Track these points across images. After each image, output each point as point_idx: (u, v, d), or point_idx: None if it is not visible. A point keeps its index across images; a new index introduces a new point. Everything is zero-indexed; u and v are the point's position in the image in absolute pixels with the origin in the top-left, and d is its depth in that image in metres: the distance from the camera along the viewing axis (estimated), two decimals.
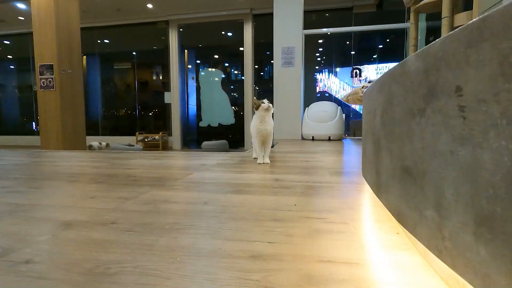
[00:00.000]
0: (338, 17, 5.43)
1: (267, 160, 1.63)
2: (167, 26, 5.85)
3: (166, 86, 6.79)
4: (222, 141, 5.28)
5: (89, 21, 5.79)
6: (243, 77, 5.92)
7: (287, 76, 3.43)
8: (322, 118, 3.21)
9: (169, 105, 6.17)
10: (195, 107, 6.22)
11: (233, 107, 5.80)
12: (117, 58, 7.12)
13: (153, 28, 6.10)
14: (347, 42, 6.20)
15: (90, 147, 4.74)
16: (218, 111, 5.79)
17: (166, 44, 6.44)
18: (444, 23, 2.34)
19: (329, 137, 3.19)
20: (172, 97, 5.92)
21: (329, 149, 2.45)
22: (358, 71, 8.65)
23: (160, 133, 5.76)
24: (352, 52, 6.08)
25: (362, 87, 1.24)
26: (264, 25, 5.63)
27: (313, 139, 3.28)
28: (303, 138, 3.43)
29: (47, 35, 3.90)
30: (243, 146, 5.72)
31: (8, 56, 7.74)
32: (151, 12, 5.54)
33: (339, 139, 3.26)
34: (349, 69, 9.06)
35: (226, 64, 6.19)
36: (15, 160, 1.98)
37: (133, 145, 4.61)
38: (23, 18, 5.88)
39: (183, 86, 5.99)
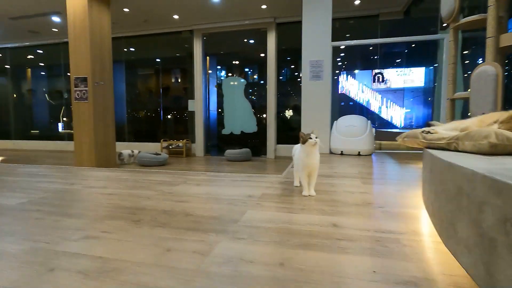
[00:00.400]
0: (363, 24, 5.35)
1: (313, 192, 1.63)
2: (192, 35, 5.94)
3: (187, 90, 6.91)
4: (245, 149, 5.31)
5: (117, 32, 5.96)
6: (266, 85, 5.94)
7: (316, 89, 3.42)
8: (352, 132, 3.18)
9: (191, 111, 6.28)
10: (215, 113, 6.30)
11: (253, 111, 5.82)
12: (141, 65, 7.31)
13: (178, 37, 6.21)
14: (370, 48, 6.11)
15: (120, 155, 4.88)
16: (241, 119, 5.83)
17: (190, 51, 6.55)
18: (489, 43, 2.26)
19: (359, 152, 3.16)
20: (196, 105, 6.01)
21: (365, 170, 2.43)
22: (380, 76, 8.50)
23: (184, 140, 5.86)
24: (376, 57, 5.98)
25: (422, 132, 1.22)
26: (287, 33, 5.62)
27: (342, 153, 3.25)
28: (331, 152, 3.41)
29: (81, 49, 4.05)
30: (265, 154, 5.75)
31: (40, 64, 8.10)
32: (176, 22, 5.64)
33: (369, 154, 3.22)
34: (368, 72, 8.92)
35: (248, 71, 6.22)
36: (58, 185, 2.07)
37: (160, 154, 4.71)
38: (56, 30, 6.13)
39: (206, 93, 6.07)
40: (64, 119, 8.26)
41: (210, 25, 5.68)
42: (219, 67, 6.42)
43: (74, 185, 1.97)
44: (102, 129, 4.28)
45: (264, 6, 4.92)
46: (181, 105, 6.95)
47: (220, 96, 6.29)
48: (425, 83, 5.60)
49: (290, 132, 5.98)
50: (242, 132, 5.87)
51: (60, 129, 8.47)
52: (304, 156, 1.53)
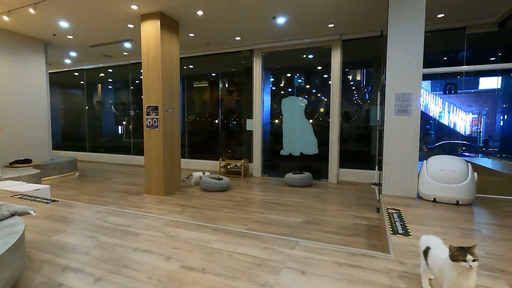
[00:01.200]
0: (447, 38, 4.74)
1: None
2: (251, 54, 5.88)
3: (238, 104, 6.90)
4: (307, 174, 5.06)
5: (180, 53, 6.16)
6: (328, 104, 5.63)
7: (401, 125, 3.03)
8: (449, 178, 2.75)
9: (246, 130, 6.24)
10: (268, 133, 6.16)
11: (313, 132, 5.53)
12: (199, 81, 7.52)
13: (238, 56, 6.21)
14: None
15: (189, 177, 4.98)
16: (301, 140, 5.60)
17: (245, 67, 6.52)
18: None
19: (457, 201, 2.71)
20: (254, 124, 5.93)
21: (479, 236, 2.02)
22: (453, 86, 7.59)
23: (243, 161, 5.81)
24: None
25: None
26: (350, 48, 5.24)
27: (434, 200, 2.83)
28: (419, 197, 3.00)
29: (154, 78, 4.19)
30: (326, 178, 5.43)
31: (109, 80, 8.87)
32: (237, 42, 5.63)
33: (469, 204, 2.75)
34: (437, 82, 8.02)
35: (310, 89, 5.96)
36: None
37: (222, 178, 4.70)
38: (126, 53, 6.56)
39: (263, 113, 5.95)
40: (129, 126, 8.91)
41: (271, 44, 5.56)
42: (276, 85, 6.27)
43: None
44: (170, 155, 4.39)
45: (331, 25, 4.64)
46: (238, 125, 6.97)
47: (277, 115, 6.13)
48: None
49: (356, 157, 5.58)
50: (301, 154, 5.62)
51: (124, 136, 9.23)
52: (455, 276, 1.11)
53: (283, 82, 6.34)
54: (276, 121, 6.24)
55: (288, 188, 4.89)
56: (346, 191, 4.67)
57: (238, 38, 5.36)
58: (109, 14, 4.24)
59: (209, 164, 6.62)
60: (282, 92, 6.27)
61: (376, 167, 5.14)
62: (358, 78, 6.07)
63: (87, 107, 9.43)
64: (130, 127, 8.60)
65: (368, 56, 5.56)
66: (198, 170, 6.22)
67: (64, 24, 4.64)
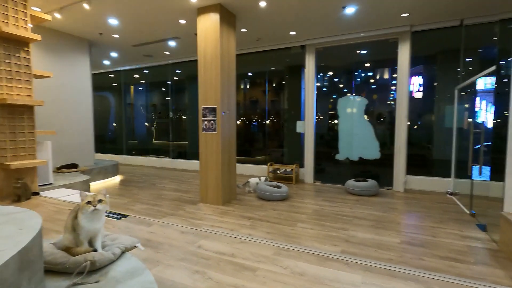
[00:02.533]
0: None
1: None
2: (303, 51, 5.44)
3: (276, 104, 6.48)
4: (372, 181, 4.55)
5: None
6: (392, 104, 5.10)
7: None
8: None
9: (288, 133, 5.81)
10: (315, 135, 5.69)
11: (375, 135, 5.01)
12: (239, 80, 7.16)
13: (284, 54, 5.79)
14: None
15: (246, 184, 4.61)
16: (360, 144, 5.09)
17: (293, 66, 6.08)
18: None
19: None
20: (306, 127, 5.48)
21: None
22: None
23: (294, 166, 5.38)
24: None
25: None
26: (419, 41, 4.69)
27: None
28: None
29: (212, 77, 3.84)
30: (390, 186, 4.89)
31: (142, 81, 8.72)
32: (289, 38, 5.21)
33: None
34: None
35: (372, 88, 5.44)
36: None
37: (280, 186, 4.28)
38: (168, 53, 6.29)
39: (315, 114, 5.48)
40: (155, 127, 8.73)
41: (326, 39, 5.09)
42: (329, 84, 5.79)
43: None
44: (227, 161, 4.02)
45: (405, 14, 4.12)
46: (282, 124, 6.55)
47: (331, 117, 5.66)
48: None
49: (421, 162, 5.01)
50: (360, 158, 5.11)
51: (153, 138, 9.06)
52: None
53: (337, 81, 5.85)
54: (329, 122, 5.77)
55: (352, 197, 4.40)
56: (421, 201, 4.12)
57: (292, 33, 4.93)
58: (162, 9, 3.93)
59: (253, 169, 6.22)
60: (334, 91, 5.79)
61: (452, 174, 4.56)
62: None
63: (123, 109, 9.34)
64: (168, 128, 8.39)
65: (435, 49, 4.97)
66: (249, 176, 5.85)
67: (113, 21, 4.39)
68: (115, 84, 9.25)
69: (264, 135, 6.85)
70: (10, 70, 2.99)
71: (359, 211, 3.64)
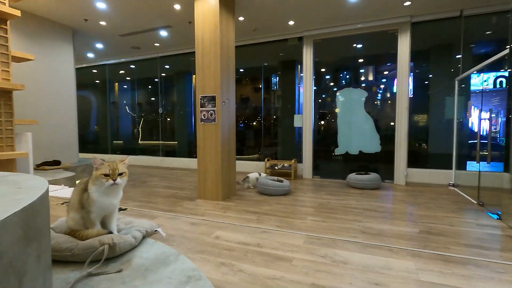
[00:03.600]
0: None
1: None
2: (301, 42, 5.30)
3: (273, 99, 6.32)
4: (374, 175, 4.44)
5: None
6: (392, 96, 5.05)
7: None
8: None
9: (282, 128, 5.65)
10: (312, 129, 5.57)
11: (375, 128, 4.92)
12: (243, 76, 6.94)
13: (279, 47, 5.63)
14: None
15: (246, 180, 4.38)
16: (360, 137, 4.99)
17: (287, 61, 5.94)
18: None
19: None
20: (304, 121, 5.33)
21: None
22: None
23: (293, 161, 5.20)
24: None
25: None
26: (418, 33, 4.66)
27: None
28: None
29: (211, 64, 3.60)
30: (391, 179, 4.81)
31: (127, 78, 8.28)
32: (286, 29, 5.05)
33: None
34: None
35: (372, 80, 5.37)
36: None
37: (282, 180, 4.08)
38: (157, 44, 5.98)
39: (314, 107, 5.34)
40: (139, 128, 8.32)
41: (325, 30, 4.98)
42: (329, 76, 5.68)
43: None
44: (227, 154, 3.79)
45: (407, 3, 4.06)
46: (272, 115, 6.37)
47: (330, 110, 5.54)
48: None
49: (417, 155, 4.97)
50: (360, 152, 5.01)
51: (139, 139, 8.62)
52: None
53: (335, 73, 5.74)
54: (327, 116, 5.64)
55: (355, 190, 4.26)
56: (426, 193, 4.04)
57: (291, 23, 4.78)
58: None
59: (249, 165, 6.00)
60: (331, 85, 5.68)
61: (454, 166, 4.53)
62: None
63: (107, 108, 8.87)
64: (160, 126, 8.01)
65: (432, 42, 4.97)
66: (244, 173, 5.62)
67: (101, 5, 4.06)
68: (98, 81, 8.78)
69: (256, 133, 6.63)
70: None
71: (367, 203, 3.50)
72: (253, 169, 5.90)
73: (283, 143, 6.28)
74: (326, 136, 5.57)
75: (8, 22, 2.81)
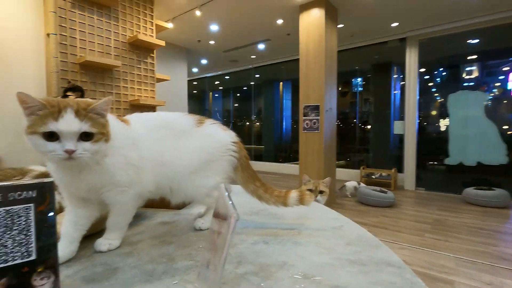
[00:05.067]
0: None
1: None
2: (403, 43, 4.95)
3: (353, 106, 5.98)
4: (500, 191, 3.81)
5: None
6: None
7: None
8: None
9: (373, 135, 5.30)
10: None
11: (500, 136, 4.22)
12: None
13: (377, 50, 5.37)
14: None
15: (342, 189, 4.36)
16: (479, 146, 4.35)
17: (380, 64, 5.60)
18: None
19: None
20: (406, 127, 4.94)
21: None
22: None
23: (393, 170, 4.87)
24: None
25: None
26: None
27: None
28: None
29: (315, 74, 3.70)
30: None
31: (220, 88, 9.14)
32: (389, 31, 4.79)
33: None
34: None
35: (481, 79, 4.66)
36: None
37: (386, 191, 3.88)
38: (254, 56, 6.44)
39: (418, 113, 4.90)
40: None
41: (433, 29, 4.53)
42: (438, 78, 5.16)
43: None
44: (328, 162, 3.82)
45: None
46: (360, 120, 6.07)
47: (440, 115, 5.01)
48: None
49: None
50: (478, 163, 4.37)
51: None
52: None
53: (444, 75, 5.17)
54: (435, 122, 5.11)
55: (475, 208, 3.73)
56: None
57: (394, 25, 4.52)
58: (263, 10, 3.96)
59: (341, 173, 5.87)
60: (439, 87, 5.11)
61: None
62: None
63: (202, 114, 9.92)
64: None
65: None
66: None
67: (214, 27, 4.63)
68: (195, 91, 9.90)
69: (342, 139, 6.40)
70: (140, 74, 3.32)
71: (496, 225, 3.04)
72: (342, 176, 5.75)
73: (375, 150, 5.95)
74: (431, 144, 5.04)
75: (155, 51, 3.47)
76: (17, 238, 0.34)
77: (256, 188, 0.73)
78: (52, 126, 0.45)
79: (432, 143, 5.02)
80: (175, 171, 0.64)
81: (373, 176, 5.14)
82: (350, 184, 4.27)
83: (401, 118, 5.14)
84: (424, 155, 4.96)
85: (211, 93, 10.02)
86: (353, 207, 3.74)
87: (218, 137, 0.70)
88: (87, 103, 0.49)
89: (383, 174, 5.08)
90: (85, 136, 0.48)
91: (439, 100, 5.02)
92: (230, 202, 0.38)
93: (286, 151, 7.81)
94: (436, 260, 1.49)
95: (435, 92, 5.10)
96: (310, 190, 1.11)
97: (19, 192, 0.35)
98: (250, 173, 0.74)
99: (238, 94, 9.37)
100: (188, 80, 9.19)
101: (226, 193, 0.40)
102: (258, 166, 7.42)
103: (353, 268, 0.50)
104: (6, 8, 2.44)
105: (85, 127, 0.48)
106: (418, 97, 4.85)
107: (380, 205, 3.77)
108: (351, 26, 4.58)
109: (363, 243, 0.63)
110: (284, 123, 7.77)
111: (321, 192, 1.11)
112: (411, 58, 4.85)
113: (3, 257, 0.33)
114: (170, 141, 0.64)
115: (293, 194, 0.71)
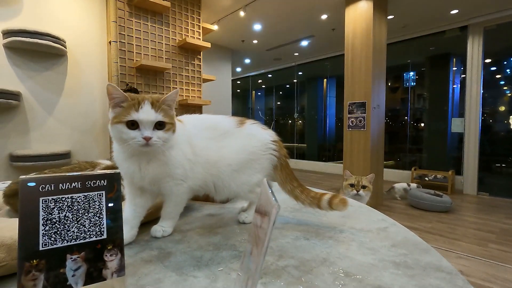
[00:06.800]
0: None
1: None
2: (464, 32, 4.47)
3: (405, 102, 5.48)
4: None
5: None
6: None
7: None
8: None
9: (427, 133, 4.82)
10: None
11: None
12: None
13: (434, 41, 4.92)
14: None
15: (391, 190, 4.14)
16: None
17: (436, 55, 5.10)
18: None
19: None
20: (467, 125, 4.47)
21: None
22: None
23: (450, 172, 4.45)
24: None
25: None
26: None
27: None
28: None
29: (361, 70, 3.54)
30: None
31: (262, 86, 9.21)
32: (447, 19, 4.36)
33: None
34: None
35: None
36: None
37: (441, 195, 3.56)
38: (297, 54, 6.37)
39: (481, 110, 4.38)
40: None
41: (502, 14, 4.01)
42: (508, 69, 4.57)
43: None
44: (375, 162, 3.63)
45: None
46: (412, 117, 5.60)
47: (509, 112, 4.44)
48: None
49: None
50: None
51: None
52: None
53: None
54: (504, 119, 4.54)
55: None
56: None
57: (454, 12, 4.11)
58: (307, 6, 3.90)
59: (390, 174, 5.53)
60: (508, 80, 4.51)
61: None
62: None
63: (246, 114, 10.11)
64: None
65: None
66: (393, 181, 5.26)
67: (257, 27, 4.68)
68: (239, 91, 10.12)
69: (391, 137, 5.99)
70: (188, 75, 3.52)
71: None
72: (391, 177, 5.41)
73: (430, 150, 5.48)
74: (497, 144, 4.49)
75: (201, 52, 3.63)
76: (92, 220, 0.41)
77: (293, 188, 0.74)
78: (135, 116, 0.54)
79: (499, 143, 4.47)
80: (219, 169, 0.68)
81: (426, 178, 4.75)
82: (400, 185, 4.01)
83: (461, 115, 4.66)
84: (489, 156, 4.44)
85: (253, 91, 10.16)
86: (403, 210, 3.51)
87: (259, 136, 0.73)
88: (159, 97, 0.58)
89: (438, 176, 4.66)
90: (159, 125, 0.57)
91: (509, 94, 4.44)
92: (272, 195, 0.40)
93: (330, 150, 7.59)
94: (500, 274, 1.33)
95: (504, 85, 4.52)
96: (351, 185, 1.08)
97: (93, 181, 0.42)
98: (288, 172, 0.75)
99: (281, 92, 9.35)
100: (232, 80, 9.48)
101: (269, 189, 0.42)
102: (301, 165, 7.34)
103: (397, 270, 0.49)
104: (76, 18, 2.78)
105: (159, 117, 0.56)
106: (481, 91, 4.35)
107: (434, 209, 3.48)
108: (403, 17, 4.28)
109: (410, 246, 0.60)
110: (328, 121, 7.57)
111: (363, 187, 1.08)
112: (474, 48, 4.36)
113: (82, 235, 0.40)
114: (215, 141, 0.69)
115: (327, 197, 0.70)
